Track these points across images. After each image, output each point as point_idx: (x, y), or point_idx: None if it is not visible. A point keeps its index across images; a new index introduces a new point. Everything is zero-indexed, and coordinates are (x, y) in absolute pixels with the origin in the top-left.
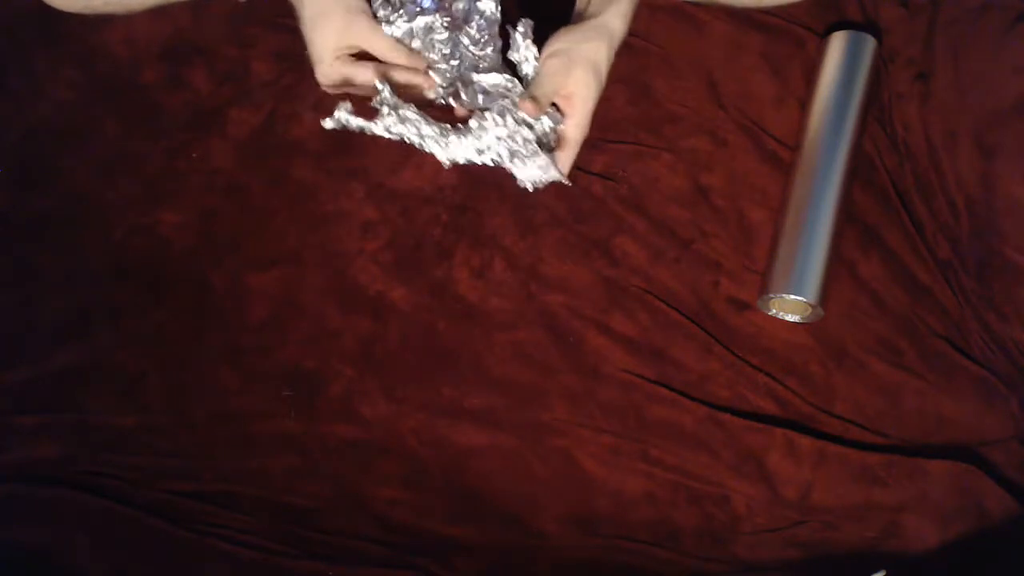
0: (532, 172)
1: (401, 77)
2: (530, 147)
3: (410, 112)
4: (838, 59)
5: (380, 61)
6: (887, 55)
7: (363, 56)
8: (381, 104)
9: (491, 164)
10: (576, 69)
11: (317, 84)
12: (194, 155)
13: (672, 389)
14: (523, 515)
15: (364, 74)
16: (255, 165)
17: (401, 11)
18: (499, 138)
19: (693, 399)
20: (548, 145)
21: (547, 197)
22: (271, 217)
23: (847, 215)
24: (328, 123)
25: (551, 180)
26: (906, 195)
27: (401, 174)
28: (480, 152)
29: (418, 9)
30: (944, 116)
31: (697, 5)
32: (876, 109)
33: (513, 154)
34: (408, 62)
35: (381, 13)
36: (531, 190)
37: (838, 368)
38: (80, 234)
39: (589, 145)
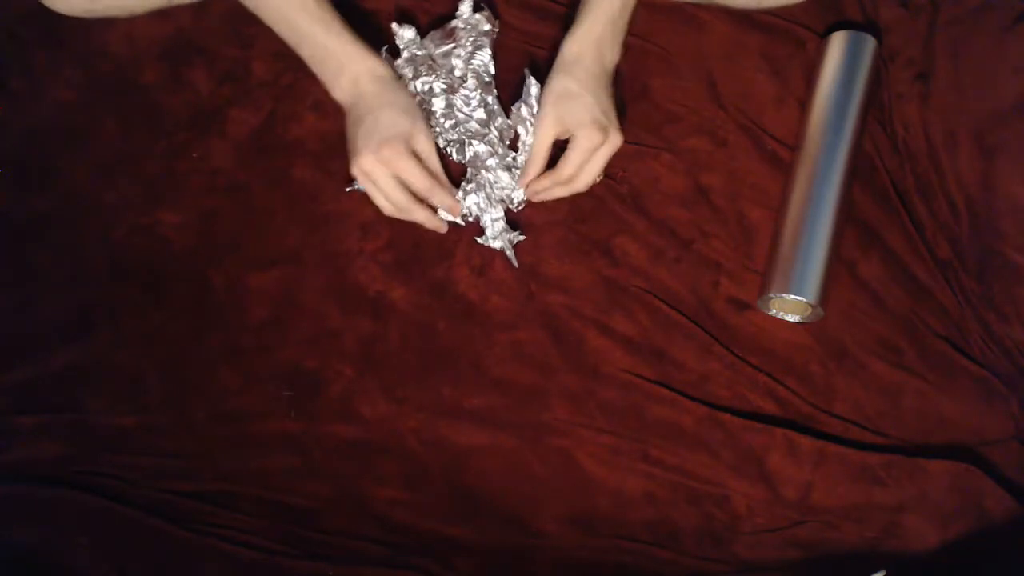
0: (499, 242)
1: (435, 197)
2: (497, 225)
3: None
4: (838, 59)
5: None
6: (887, 55)
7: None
8: None
9: (472, 221)
10: (545, 115)
11: (316, 86)
12: (194, 155)
13: (672, 389)
14: (523, 515)
15: (415, 169)
16: (255, 165)
17: (407, 71)
18: (477, 204)
19: (693, 399)
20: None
21: None
22: (271, 217)
23: (847, 215)
24: (348, 189)
25: (513, 245)
26: (906, 195)
27: None
28: (464, 217)
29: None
30: (944, 116)
31: (697, 5)
32: (876, 109)
33: (484, 223)
34: (444, 182)
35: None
36: (499, 247)
37: (838, 368)
38: (80, 234)
39: None
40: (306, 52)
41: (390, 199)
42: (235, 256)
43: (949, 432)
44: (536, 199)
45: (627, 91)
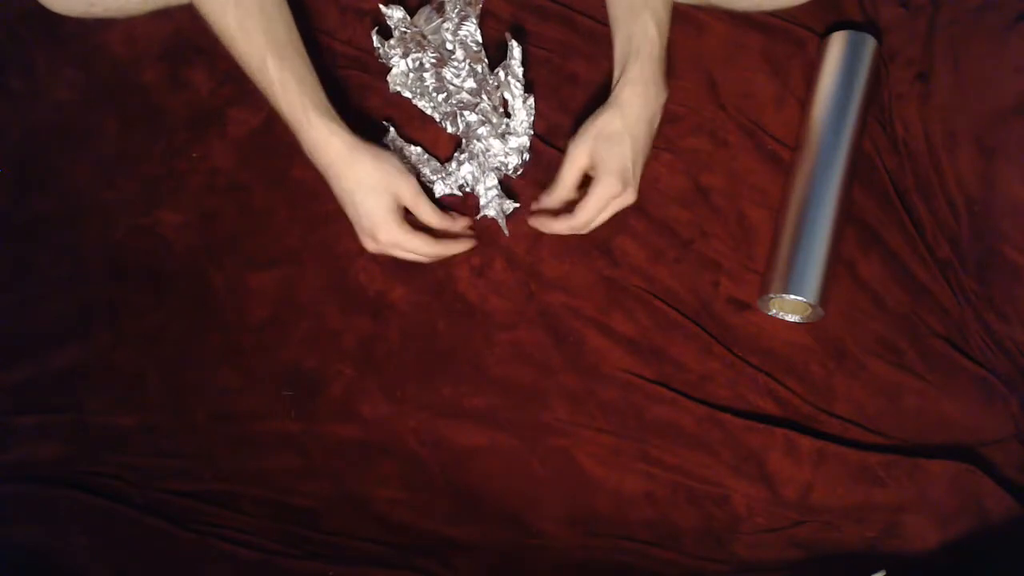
0: (492, 211)
1: (445, 244)
2: (490, 193)
3: (412, 154)
4: (838, 59)
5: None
6: (887, 55)
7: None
8: (391, 143)
9: (469, 191)
10: (575, 154)
11: None
12: (194, 155)
13: (672, 389)
14: (523, 515)
15: (416, 243)
16: (255, 165)
17: (398, 49)
18: (471, 173)
19: (693, 399)
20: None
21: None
22: (271, 217)
23: (847, 215)
24: None
25: (506, 215)
26: (906, 195)
27: None
28: (461, 187)
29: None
30: (944, 116)
31: (696, 7)
32: (876, 109)
33: (478, 192)
34: (449, 226)
35: (384, 50)
36: (492, 215)
37: (838, 368)
38: (80, 234)
39: None
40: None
41: (417, 259)
42: (235, 256)
43: (949, 432)
44: (540, 228)
45: None
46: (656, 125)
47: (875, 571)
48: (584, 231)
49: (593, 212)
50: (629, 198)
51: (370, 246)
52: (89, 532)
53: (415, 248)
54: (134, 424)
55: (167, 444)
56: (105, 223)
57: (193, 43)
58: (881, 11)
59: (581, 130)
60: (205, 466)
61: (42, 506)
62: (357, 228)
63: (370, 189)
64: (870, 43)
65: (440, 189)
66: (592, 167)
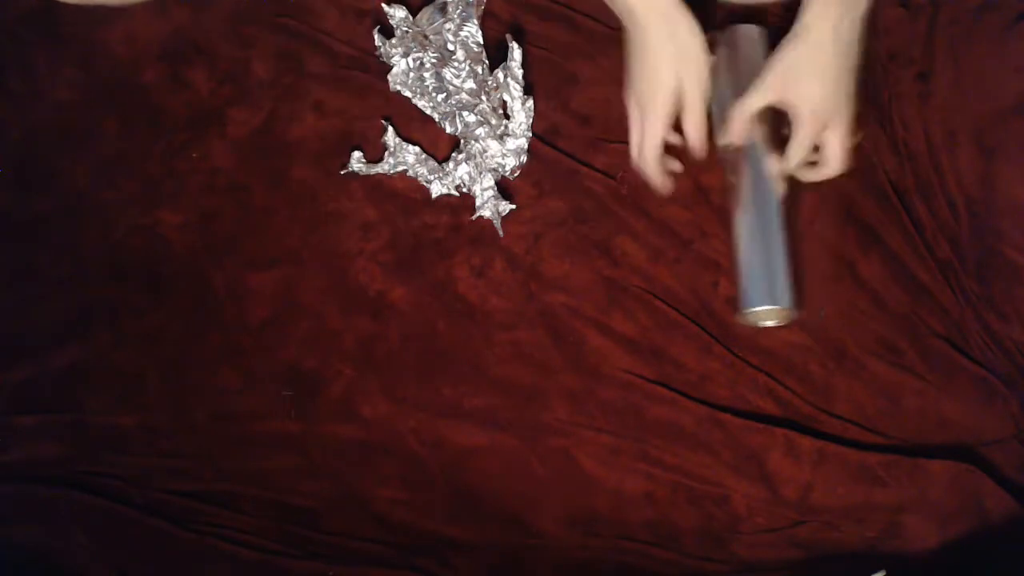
0: (487, 211)
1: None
2: (486, 194)
3: (409, 155)
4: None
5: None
6: (887, 55)
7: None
8: (384, 146)
9: (466, 192)
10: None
11: (316, 86)
12: (194, 155)
13: (672, 389)
14: (523, 515)
15: (652, 141)
16: (255, 165)
17: (399, 48)
18: (468, 174)
19: (693, 399)
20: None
21: (547, 197)
22: (271, 217)
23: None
24: (344, 172)
25: (501, 216)
26: (906, 195)
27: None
28: (457, 188)
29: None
30: (944, 116)
31: None
32: (876, 109)
33: (474, 192)
34: (699, 147)
35: (386, 49)
36: (487, 216)
37: (838, 368)
38: (80, 234)
39: (589, 144)
40: None
41: (637, 151)
42: (235, 256)
43: (949, 432)
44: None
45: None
46: (850, 54)
47: (875, 571)
48: (824, 172)
49: (800, 152)
50: (839, 130)
51: (633, 115)
52: (89, 532)
53: (647, 146)
54: (134, 424)
55: (167, 444)
56: (105, 223)
57: (193, 43)
58: (881, 11)
59: (767, 68)
60: (205, 466)
61: (42, 506)
62: (634, 86)
63: (673, 54)
64: (754, 32)
65: (437, 189)
66: (783, 104)
